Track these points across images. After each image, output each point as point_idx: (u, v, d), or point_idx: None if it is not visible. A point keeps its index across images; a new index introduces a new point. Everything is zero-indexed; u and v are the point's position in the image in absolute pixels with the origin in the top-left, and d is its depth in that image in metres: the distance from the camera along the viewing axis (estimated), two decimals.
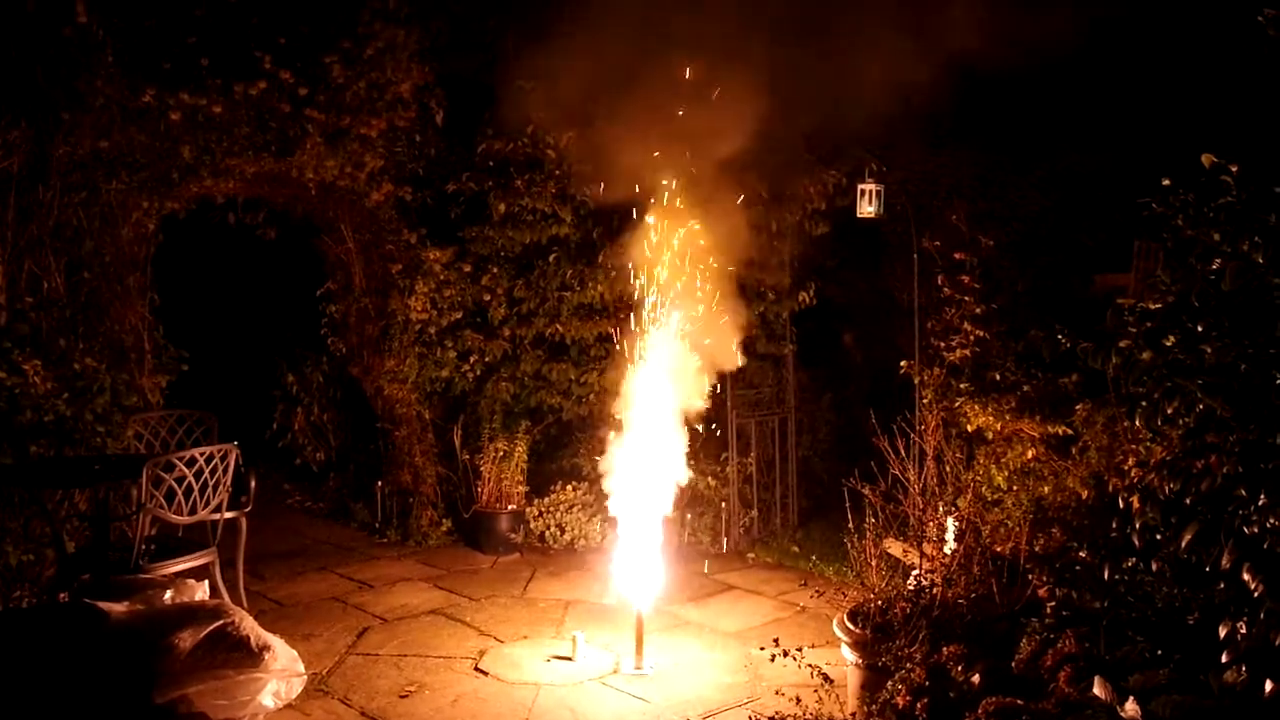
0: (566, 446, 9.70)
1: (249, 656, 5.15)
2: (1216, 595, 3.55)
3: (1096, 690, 4.02)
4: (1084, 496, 6.16)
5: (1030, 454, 6.77)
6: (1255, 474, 3.44)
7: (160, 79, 7.77)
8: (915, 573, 5.67)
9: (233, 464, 6.55)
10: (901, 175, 8.53)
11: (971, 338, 7.80)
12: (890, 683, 4.98)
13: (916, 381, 7.81)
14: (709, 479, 9.03)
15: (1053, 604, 4.85)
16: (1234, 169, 3.62)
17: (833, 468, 10.03)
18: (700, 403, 7.37)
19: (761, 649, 5.94)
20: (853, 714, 5.43)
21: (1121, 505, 4.13)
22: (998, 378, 7.34)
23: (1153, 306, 3.88)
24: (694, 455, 8.91)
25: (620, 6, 8.83)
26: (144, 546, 6.22)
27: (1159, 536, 3.90)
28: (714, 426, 9.12)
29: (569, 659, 6.52)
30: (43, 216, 7.46)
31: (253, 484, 7.04)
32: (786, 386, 9.73)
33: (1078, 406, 6.38)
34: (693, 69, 8.53)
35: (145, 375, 8.14)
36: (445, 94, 9.21)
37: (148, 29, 7.79)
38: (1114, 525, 4.36)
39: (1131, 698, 3.86)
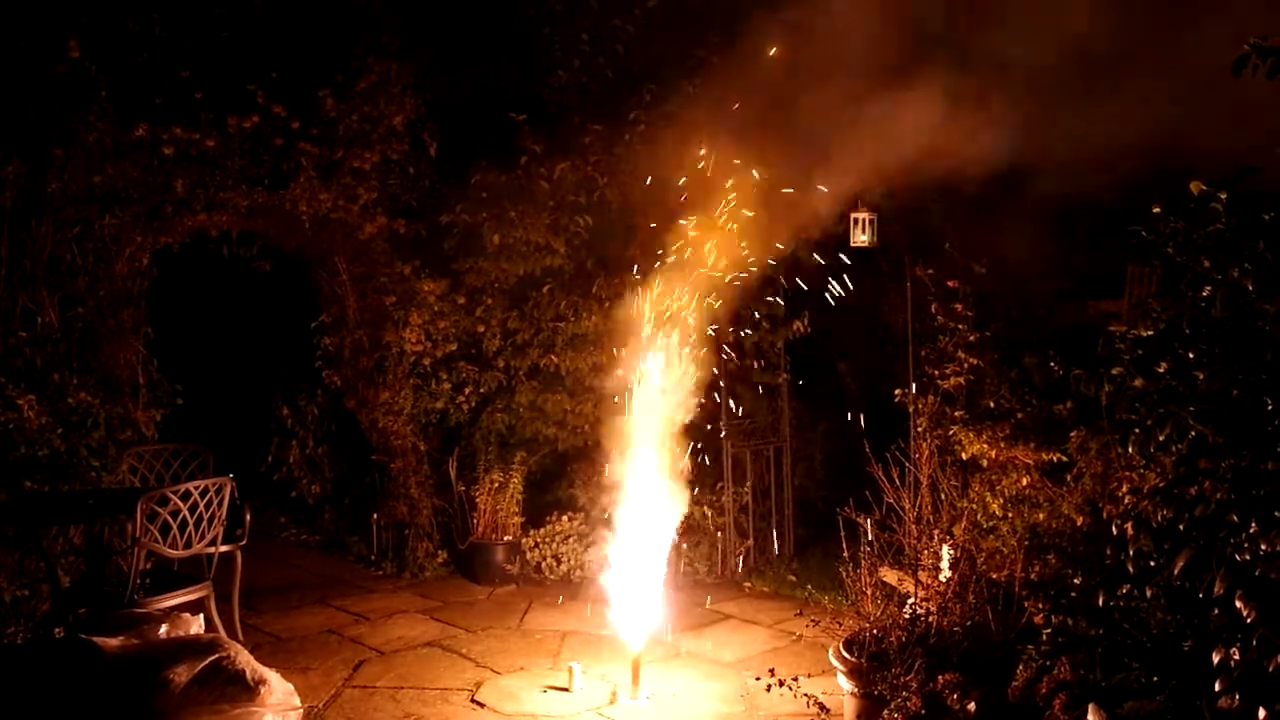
0: (562, 477, 9.66)
1: (245, 690, 5.12)
2: (1210, 621, 3.54)
3: (1091, 718, 4.02)
4: (1079, 523, 6.16)
5: (1025, 481, 6.76)
6: (1247, 500, 3.44)
7: (153, 114, 7.83)
8: (911, 601, 5.67)
9: (228, 497, 6.54)
10: (895, 202, 8.54)
11: (965, 365, 7.79)
12: (886, 711, 4.98)
13: (911, 410, 7.81)
14: (705, 508, 9.01)
15: (1048, 631, 4.84)
16: (1223, 196, 3.64)
17: (828, 496, 10.02)
18: (694, 433, 7.36)
19: (758, 679, 5.94)
20: None
21: (1115, 532, 4.13)
22: (991, 405, 7.33)
23: (1145, 333, 3.90)
24: (690, 485, 8.92)
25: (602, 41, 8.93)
26: (139, 580, 6.20)
27: (1153, 563, 3.90)
28: (708, 457, 9.10)
29: (566, 690, 6.51)
30: (36, 251, 7.49)
31: (248, 517, 7.03)
32: (781, 416, 9.73)
33: (1072, 433, 6.37)
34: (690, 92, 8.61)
35: (140, 409, 8.14)
36: (438, 126, 9.23)
37: (140, 64, 7.85)
38: (1108, 552, 4.36)
39: None
